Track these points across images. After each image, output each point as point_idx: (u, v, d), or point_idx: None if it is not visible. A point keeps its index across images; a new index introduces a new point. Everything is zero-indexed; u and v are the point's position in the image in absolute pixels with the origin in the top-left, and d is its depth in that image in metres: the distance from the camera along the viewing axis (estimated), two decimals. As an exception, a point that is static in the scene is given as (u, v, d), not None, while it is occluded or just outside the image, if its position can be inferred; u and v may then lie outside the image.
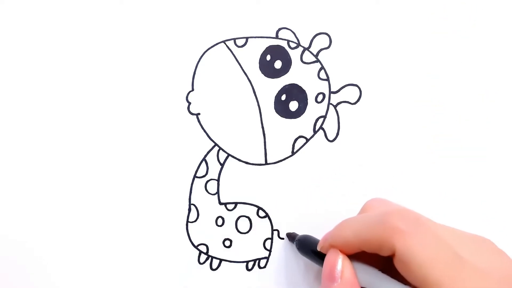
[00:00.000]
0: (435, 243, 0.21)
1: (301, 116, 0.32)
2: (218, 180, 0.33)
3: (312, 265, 0.32)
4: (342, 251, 0.25)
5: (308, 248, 0.29)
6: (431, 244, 0.21)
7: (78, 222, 0.34)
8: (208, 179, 0.33)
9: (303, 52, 0.32)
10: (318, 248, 0.27)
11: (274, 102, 0.32)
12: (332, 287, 0.24)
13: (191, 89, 0.33)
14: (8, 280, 0.34)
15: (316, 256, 0.28)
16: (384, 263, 0.25)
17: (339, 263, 0.25)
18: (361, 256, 0.25)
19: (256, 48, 0.32)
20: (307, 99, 0.32)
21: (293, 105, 0.32)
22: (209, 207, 0.33)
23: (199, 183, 0.33)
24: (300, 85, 0.32)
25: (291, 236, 0.32)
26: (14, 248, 0.34)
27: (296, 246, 0.30)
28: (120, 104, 0.33)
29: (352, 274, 0.24)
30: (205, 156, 0.33)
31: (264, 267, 0.33)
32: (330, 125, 0.32)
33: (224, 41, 0.32)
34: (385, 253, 0.22)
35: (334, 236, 0.26)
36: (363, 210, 0.28)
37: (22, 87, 0.34)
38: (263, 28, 0.32)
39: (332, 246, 0.26)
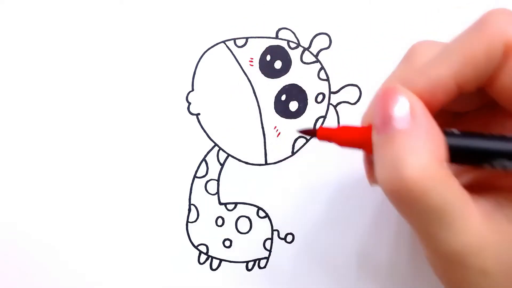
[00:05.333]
0: None
1: (301, 116, 0.32)
2: (218, 180, 0.33)
3: (314, 265, 0.32)
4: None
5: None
6: None
7: (78, 223, 0.34)
8: (208, 179, 0.33)
9: (303, 52, 0.32)
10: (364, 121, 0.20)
11: (274, 102, 0.32)
12: (396, 135, 0.17)
13: (191, 89, 0.33)
14: (7, 280, 0.34)
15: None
16: None
17: (403, 99, 0.17)
18: None
19: (256, 48, 0.32)
20: (307, 99, 0.32)
21: (293, 105, 0.32)
22: (209, 207, 0.33)
23: (199, 183, 0.33)
24: (300, 85, 0.32)
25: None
26: (13, 250, 0.34)
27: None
28: (119, 104, 0.33)
29: (426, 115, 0.17)
30: (205, 156, 0.33)
31: (264, 267, 0.33)
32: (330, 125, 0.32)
33: (224, 41, 0.32)
34: (488, 69, 0.17)
35: (404, 82, 0.18)
36: (408, 57, 0.21)
37: (22, 87, 0.34)
38: (263, 28, 0.32)
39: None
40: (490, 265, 0.17)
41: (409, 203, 0.17)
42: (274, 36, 0.32)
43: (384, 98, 0.17)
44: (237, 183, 0.33)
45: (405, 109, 0.17)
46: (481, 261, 0.17)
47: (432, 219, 0.17)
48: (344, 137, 0.21)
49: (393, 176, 0.16)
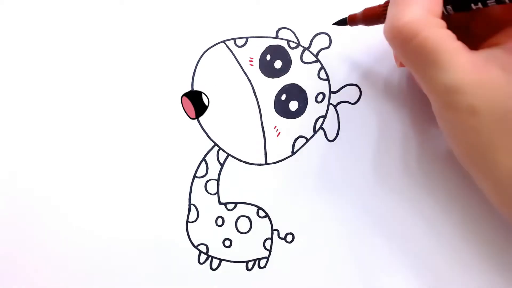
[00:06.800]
0: None
1: (301, 116, 0.32)
2: (218, 180, 0.33)
3: (314, 265, 0.32)
4: None
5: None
6: None
7: (78, 222, 0.34)
8: (208, 179, 0.33)
9: (303, 52, 0.32)
10: None
11: (274, 102, 0.32)
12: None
13: (191, 89, 0.33)
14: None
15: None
16: None
17: None
18: None
19: (256, 48, 0.32)
20: (307, 99, 0.32)
21: (293, 105, 0.32)
22: (209, 207, 0.33)
23: (199, 183, 0.33)
24: (300, 85, 0.32)
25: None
26: (13, 248, 0.34)
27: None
28: (119, 104, 0.33)
29: None
30: (205, 156, 0.33)
31: (264, 267, 0.33)
32: (330, 125, 0.32)
33: (224, 41, 0.32)
34: None
35: None
36: None
37: (21, 87, 0.34)
38: (263, 28, 0.32)
39: None
40: (477, 104, 0.20)
41: (403, 45, 0.21)
42: (274, 36, 0.32)
43: None
44: (237, 183, 0.33)
45: None
46: (469, 99, 0.20)
47: (425, 60, 0.20)
48: (368, 13, 0.26)
49: (391, 25, 0.21)
